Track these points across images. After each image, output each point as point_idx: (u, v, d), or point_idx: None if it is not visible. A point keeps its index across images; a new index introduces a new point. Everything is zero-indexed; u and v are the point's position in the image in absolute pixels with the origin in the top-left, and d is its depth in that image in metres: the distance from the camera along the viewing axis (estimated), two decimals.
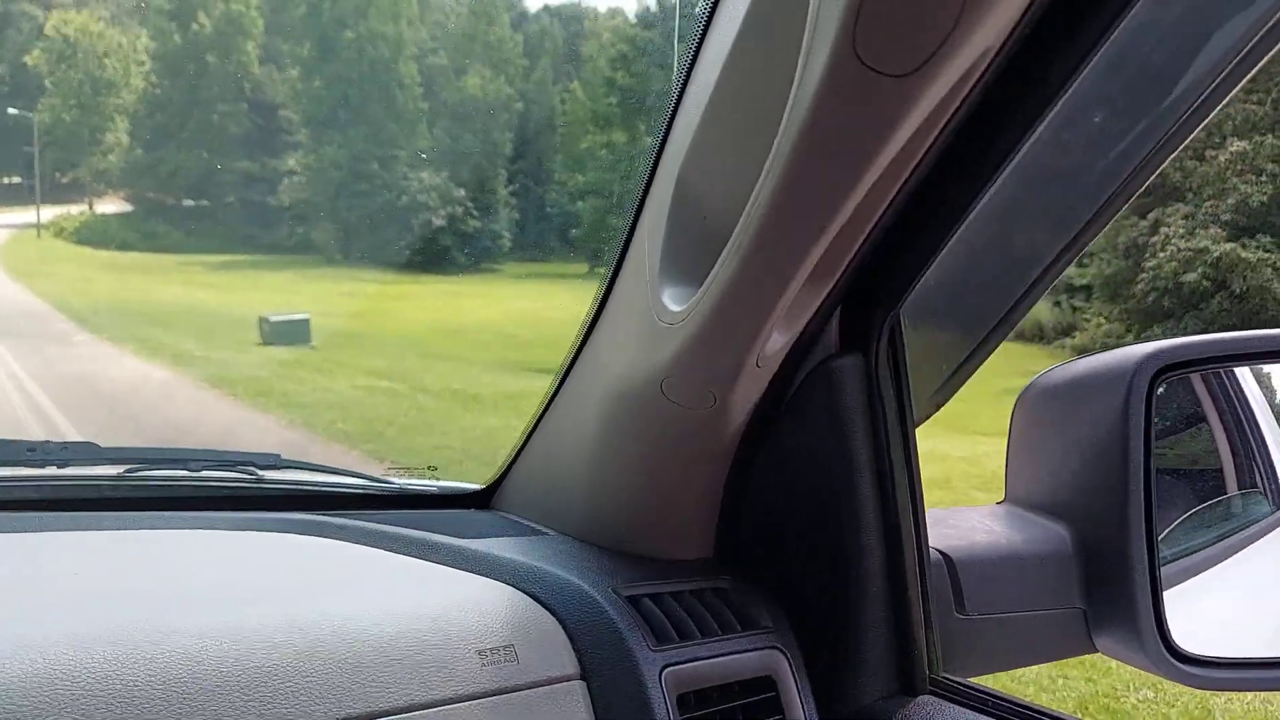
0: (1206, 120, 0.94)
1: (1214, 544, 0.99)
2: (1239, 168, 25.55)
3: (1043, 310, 40.06)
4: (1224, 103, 0.93)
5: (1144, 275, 26.94)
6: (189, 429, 10.24)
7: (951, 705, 1.02)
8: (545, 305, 48.62)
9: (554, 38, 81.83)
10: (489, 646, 0.96)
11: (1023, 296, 1.10)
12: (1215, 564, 0.97)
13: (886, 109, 0.74)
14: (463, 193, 63.27)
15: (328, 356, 18.90)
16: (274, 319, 18.74)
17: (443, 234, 62.37)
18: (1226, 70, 0.91)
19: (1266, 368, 0.98)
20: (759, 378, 1.02)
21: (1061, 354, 37.73)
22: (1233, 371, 1.03)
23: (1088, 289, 38.32)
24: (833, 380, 1.03)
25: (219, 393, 12.99)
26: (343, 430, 9.91)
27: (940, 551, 1.02)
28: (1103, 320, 34.22)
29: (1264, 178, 25.25)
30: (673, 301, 0.96)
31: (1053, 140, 0.97)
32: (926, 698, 1.04)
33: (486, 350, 33.68)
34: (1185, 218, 26.26)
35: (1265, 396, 1.01)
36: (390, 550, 1.17)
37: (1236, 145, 25.55)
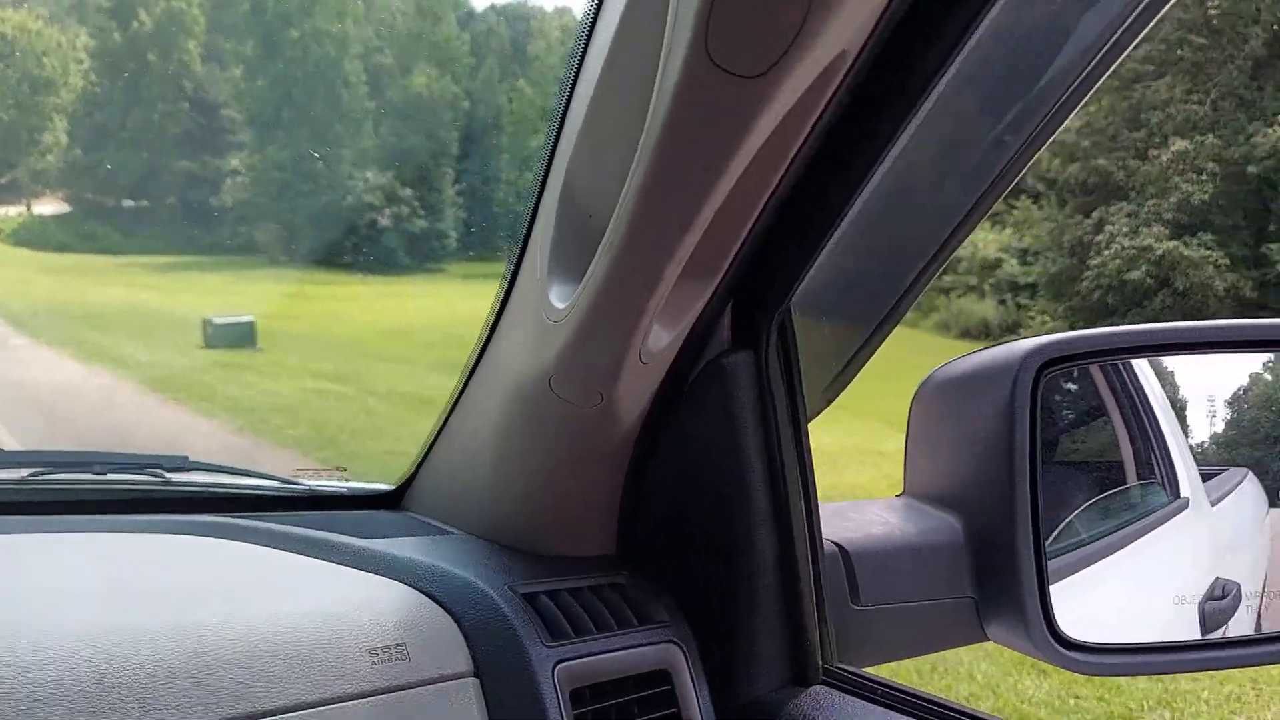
0: (1074, 112, 0.96)
1: (1114, 533, 1.02)
2: (1180, 167, 26.19)
3: (988, 308, 40.82)
4: (1086, 98, 0.95)
5: (1089, 273, 27.48)
6: (130, 435, 9.83)
7: (842, 695, 1.03)
8: (490, 304, 48.46)
9: (500, 37, 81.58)
10: (380, 645, 0.97)
11: (905, 292, 1.11)
12: (1114, 551, 1.00)
13: (741, 109, 0.76)
14: (409, 192, 62.59)
15: (273, 359, 18.54)
16: (218, 321, 18.30)
17: (388, 234, 61.68)
18: (1088, 68, 0.94)
19: (1166, 361, 1.01)
20: (646, 374, 1.03)
21: None
22: (1130, 365, 1.06)
23: (1033, 287, 39.11)
24: (724, 376, 1.05)
25: (162, 397, 12.53)
26: (292, 436, 9.57)
27: (836, 544, 1.03)
28: (1047, 318, 34.90)
29: (1204, 177, 25.92)
30: (558, 299, 0.98)
31: (928, 138, 0.98)
32: (818, 688, 1.05)
33: (434, 351, 33.19)
34: (1129, 216, 26.86)
35: (1164, 391, 1.04)
36: (290, 551, 1.17)
37: (1178, 144, 26.20)
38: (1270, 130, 25.87)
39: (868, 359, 1.17)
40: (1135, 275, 25.63)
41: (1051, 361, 0.92)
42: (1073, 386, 1.02)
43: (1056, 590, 0.97)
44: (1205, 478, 1.09)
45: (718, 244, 0.93)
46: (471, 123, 74.87)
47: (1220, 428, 1.08)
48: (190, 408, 11.86)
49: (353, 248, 67.10)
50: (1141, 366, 1.07)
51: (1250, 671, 4.36)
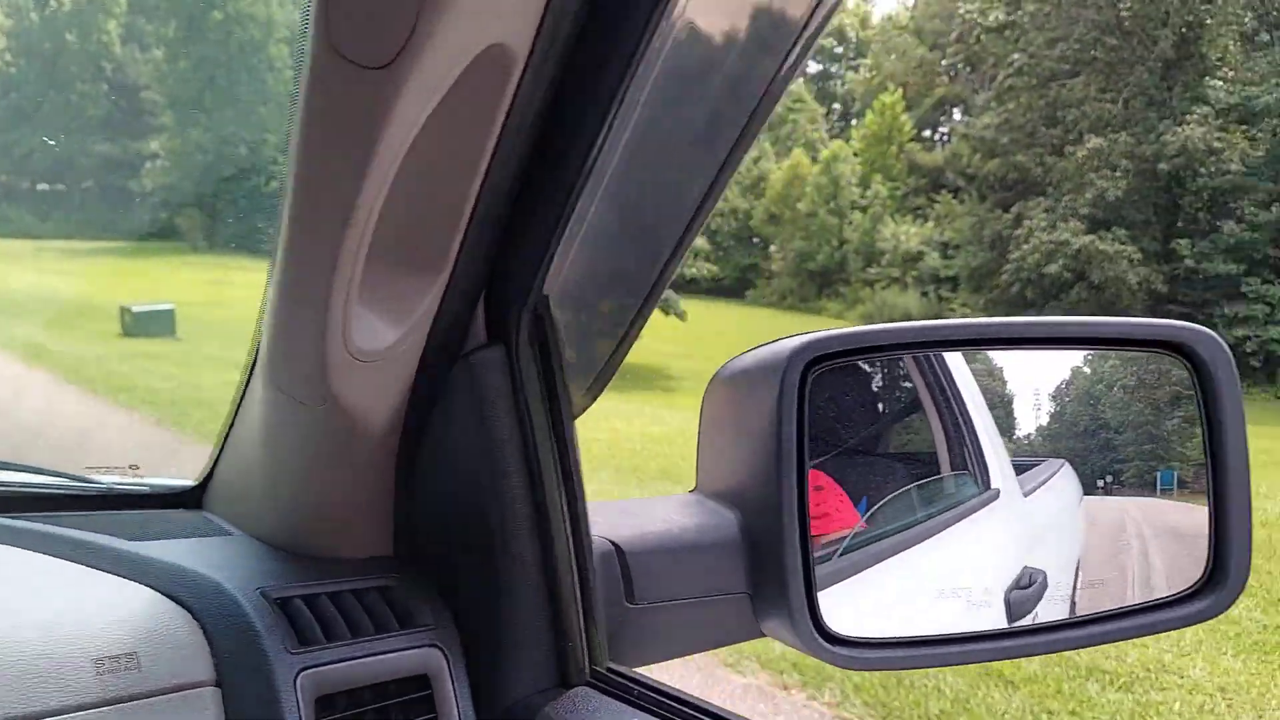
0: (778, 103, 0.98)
1: (925, 521, 1.04)
2: (1095, 163, 27.14)
3: (912, 300, 41.82)
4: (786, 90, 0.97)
5: (1008, 266, 28.33)
6: (41, 429, 9.48)
7: (603, 697, 1.04)
8: None
9: None
10: (109, 654, 0.92)
11: (655, 283, 1.13)
12: (922, 541, 1.02)
13: (372, 100, 0.75)
14: None
15: (194, 349, 18.00)
16: (136, 309, 17.70)
17: None
18: (790, 60, 0.94)
19: (995, 357, 1.05)
20: (376, 373, 1.00)
21: None
22: (943, 358, 1.08)
23: (954, 279, 40.20)
24: (475, 373, 1.04)
25: (78, 389, 12.10)
26: (215, 431, 9.27)
27: (611, 542, 1.04)
28: (968, 309, 35.91)
29: (1118, 173, 26.90)
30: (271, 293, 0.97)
31: (656, 127, 0.99)
32: (581, 689, 1.05)
33: None
34: (1046, 211, 27.74)
35: (978, 383, 1.08)
36: (52, 555, 1.10)
37: (1093, 142, 27.14)
38: (1179, 129, 26.96)
39: (625, 355, 1.17)
40: (1053, 269, 26.51)
41: (818, 359, 0.94)
42: (890, 380, 1.06)
43: (856, 582, 0.99)
44: (1023, 469, 1.12)
45: (434, 240, 0.91)
46: None
47: (1045, 420, 1.12)
48: (107, 400, 11.47)
49: (277, 234, 65.61)
50: (955, 360, 1.09)
51: (1219, 680, 4.49)
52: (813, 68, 70.37)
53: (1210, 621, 1.08)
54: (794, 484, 0.91)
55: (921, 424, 1.06)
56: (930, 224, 42.94)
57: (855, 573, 1.00)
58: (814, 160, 48.39)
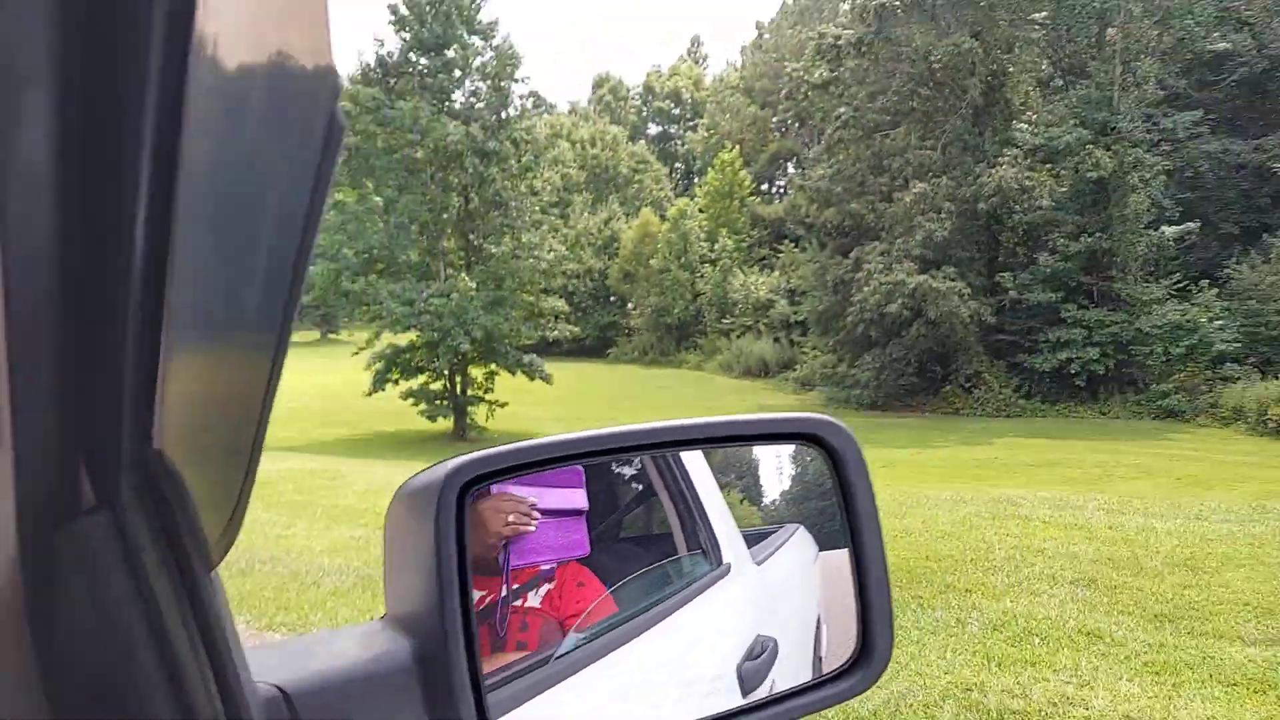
0: None
1: (666, 600, 1.08)
2: (922, 207, 28.79)
3: (765, 347, 43.08)
4: None
5: (852, 309, 29.55)
6: None
7: None
8: None
9: None
10: None
11: (266, 392, 1.01)
12: (657, 625, 1.05)
13: None
14: None
15: None
16: None
17: None
18: None
19: (611, 460, 1.09)
20: None
21: (785, 386, 40.64)
22: (679, 457, 1.14)
23: (803, 324, 41.73)
24: (81, 544, 0.88)
25: None
26: None
27: (278, 688, 0.97)
28: (818, 352, 37.24)
29: (943, 214, 28.60)
30: None
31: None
32: None
33: None
34: (882, 254, 29.15)
35: (707, 471, 1.14)
36: None
37: (918, 187, 28.82)
38: (994, 170, 28.99)
39: (251, 490, 1.05)
40: (893, 308, 27.76)
41: (475, 480, 0.93)
42: (631, 472, 1.09)
43: (578, 680, 0.98)
44: (760, 538, 1.17)
45: None
46: None
47: (786, 485, 1.18)
48: None
49: None
50: (693, 457, 1.13)
51: (1123, 707, 4.51)
52: (653, 129, 72.59)
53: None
54: (456, 607, 0.89)
55: (659, 509, 1.10)
56: (776, 273, 44.53)
57: (568, 676, 0.97)
58: (662, 218, 49.55)
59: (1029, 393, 29.61)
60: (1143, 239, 28.95)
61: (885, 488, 16.49)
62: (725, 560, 1.14)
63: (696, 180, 62.72)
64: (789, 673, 1.10)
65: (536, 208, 27.10)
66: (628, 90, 69.76)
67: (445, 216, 26.23)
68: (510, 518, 0.97)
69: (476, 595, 0.95)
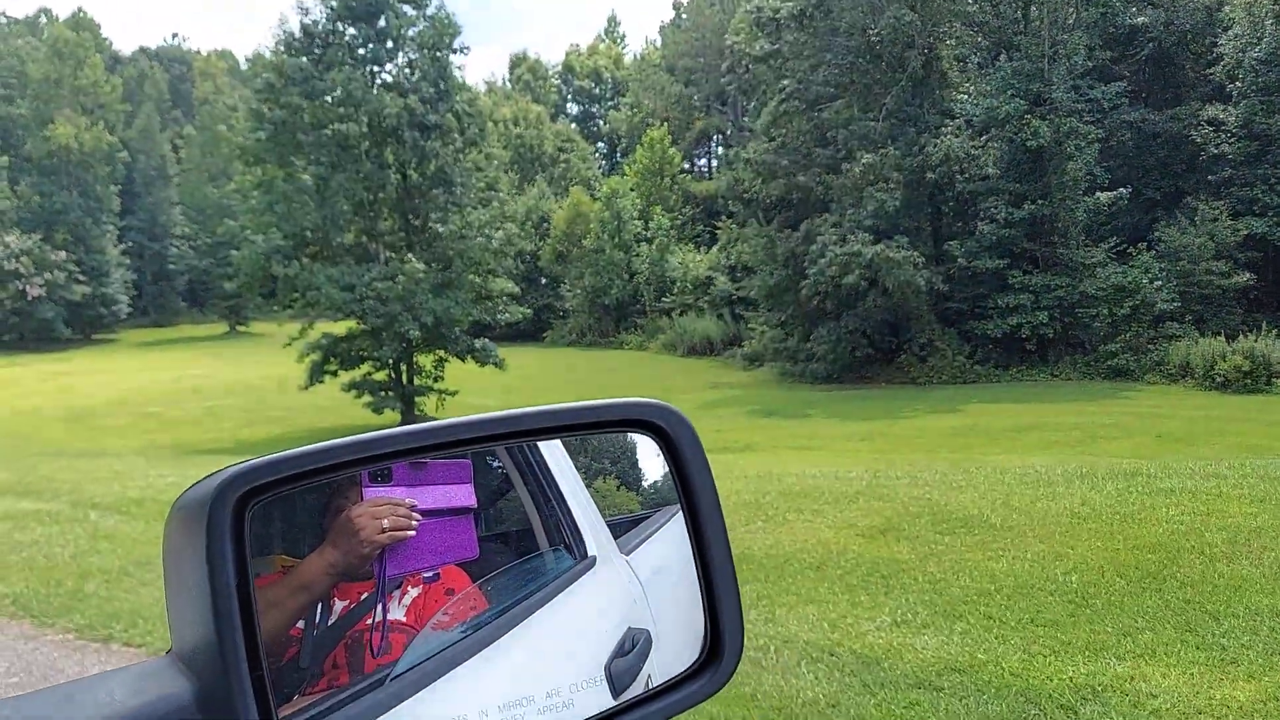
0: None
1: (531, 595, 1.01)
2: (871, 178, 28.52)
3: (710, 325, 42.57)
4: None
5: (806, 281, 29.14)
6: None
7: None
8: (181, 374, 43.10)
9: (157, 81, 73.98)
10: None
11: None
12: (531, 613, 1.00)
13: None
14: (63, 255, 54.49)
15: None
16: None
17: (42, 304, 53.29)
18: None
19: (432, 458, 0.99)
20: None
21: (733, 363, 40.24)
22: (536, 446, 1.06)
23: (746, 301, 41.31)
24: None
25: None
26: (9, 595, 6.47)
27: None
28: (766, 328, 36.86)
29: (892, 184, 28.42)
30: None
31: None
32: None
33: (131, 436, 28.69)
34: (834, 226, 28.79)
35: (568, 463, 1.08)
36: None
37: (866, 158, 28.54)
38: (940, 140, 28.91)
39: None
40: (850, 279, 27.43)
41: (254, 491, 0.83)
42: (494, 464, 1.03)
43: (427, 697, 0.88)
44: (633, 524, 1.09)
45: None
46: (133, 174, 66.85)
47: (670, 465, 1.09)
48: None
49: None
50: (548, 445, 1.06)
51: None
52: (573, 108, 71.24)
53: None
54: (238, 644, 0.79)
55: (516, 503, 1.04)
56: (715, 250, 43.98)
57: (411, 695, 0.88)
58: (593, 198, 48.44)
59: (982, 359, 29.77)
60: (1080, 205, 29.36)
61: (900, 461, 15.87)
62: (590, 553, 1.07)
63: (621, 159, 61.76)
64: (668, 662, 1.04)
65: (482, 184, 25.75)
66: (547, 69, 68.22)
67: (382, 195, 24.69)
68: (386, 522, 0.87)
69: (339, 605, 0.84)
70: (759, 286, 33.15)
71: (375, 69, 24.72)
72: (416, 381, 25.42)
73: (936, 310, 30.27)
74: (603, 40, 71.62)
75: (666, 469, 1.09)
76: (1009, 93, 29.03)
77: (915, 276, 27.42)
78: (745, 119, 51.24)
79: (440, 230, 24.23)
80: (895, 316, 29.78)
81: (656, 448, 1.09)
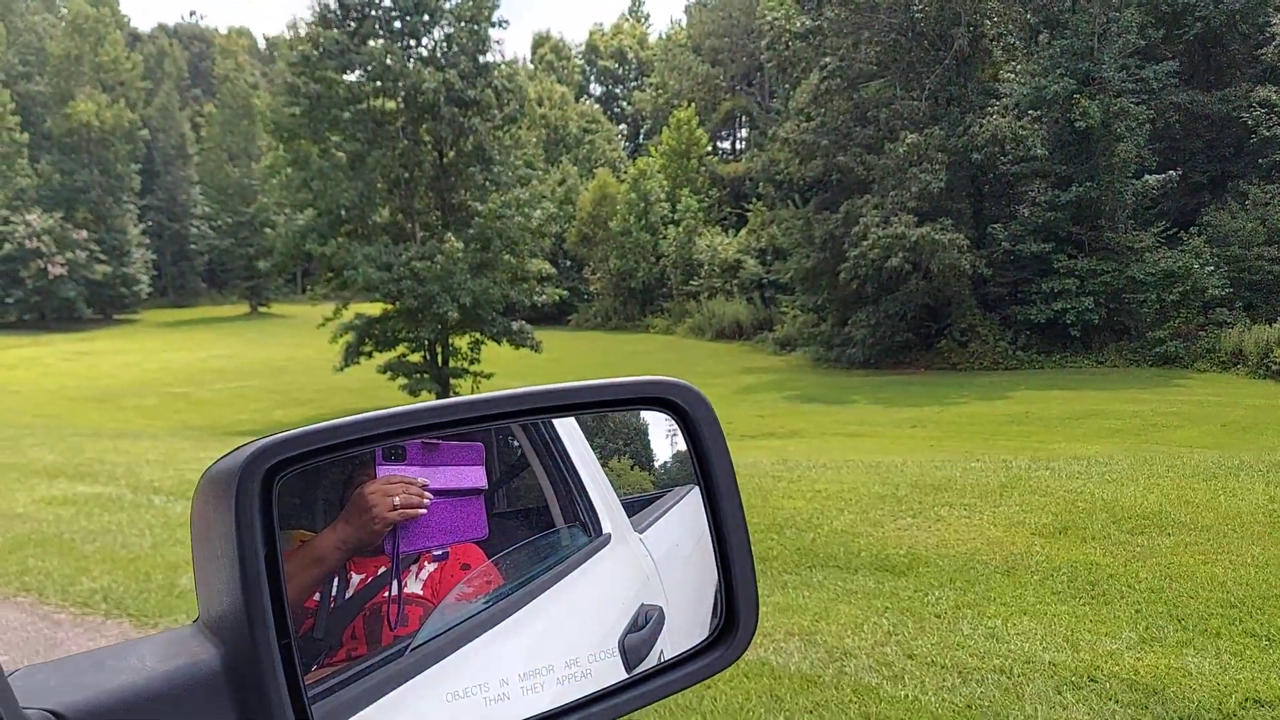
0: None
1: (547, 571, 1.02)
2: (915, 158, 27.79)
3: (739, 308, 41.93)
4: None
5: (846, 264, 28.48)
6: None
7: None
8: (206, 355, 42.74)
9: (176, 59, 73.41)
10: None
11: None
12: (547, 589, 1.01)
13: None
14: (84, 234, 54.09)
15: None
16: None
17: (64, 284, 52.92)
18: None
19: (519, 423, 1.03)
20: None
21: (763, 347, 39.62)
22: (551, 422, 1.07)
23: (776, 284, 40.62)
24: None
25: None
26: (97, 589, 5.95)
27: (54, 713, 0.84)
28: (798, 313, 36.20)
29: (937, 165, 27.68)
30: None
31: None
32: None
33: (162, 416, 28.32)
34: (875, 208, 28.10)
35: (584, 442, 1.08)
36: None
37: (910, 138, 27.80)
38: (986, 120, 28.15)
39: None
40: (894, 262, 26.76)
41: (281, 464, 0.85)
42: (511, 441, 1.04)
43: (445, 667, 0.90)
44: (647, 503, 1.10)
45: None
46: (152, 153, 66.35)
47: (682, 445, 1.09)
48: None
49: (20, 303, 56.96)
50: (562, 423, 1.07)
51: None
52: (596, 89, 70.42)
53: None
54: (266, 609, 0.82)
55: (533, 481, 1.05)
56: (744, 232, 43.27)
57: (430, 666, 0.89)
58: (618, 179, 47.74)
59: (1024, 345, 29.10)
60: (1129, 188, 28.60)
61: (953, 448, 15.28)
62: (605, 530, 1.09)
63: (643, 141, 60.96)
64: (679, 638, 1.06)
65: (520, 162, 25.14)
66: (570, 49, 67.30)
67: (418, 173, 24.12)
68: (397, 499, 0.89)
69: (356, 579, 0.87)
70: (794, 270, 32.48)
71: (412, 43, 24.09)
72: (451, 363, 24.92)
73: (977, 295, 29.59)
74: (627, 19, 70.68)
75: (678, 450, 1.09)
76: (1058, 71, 28.22)
77: (960, 260, 26.74)
78: (773, 100, 50.40)
79: (479, 208, 23.64)
80: (935, 301, 29.11)
81: (669, 428, 1.09)
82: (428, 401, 0.95)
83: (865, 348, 29.76)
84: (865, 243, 27.31)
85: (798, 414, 23.33)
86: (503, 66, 24.55)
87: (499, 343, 25.08)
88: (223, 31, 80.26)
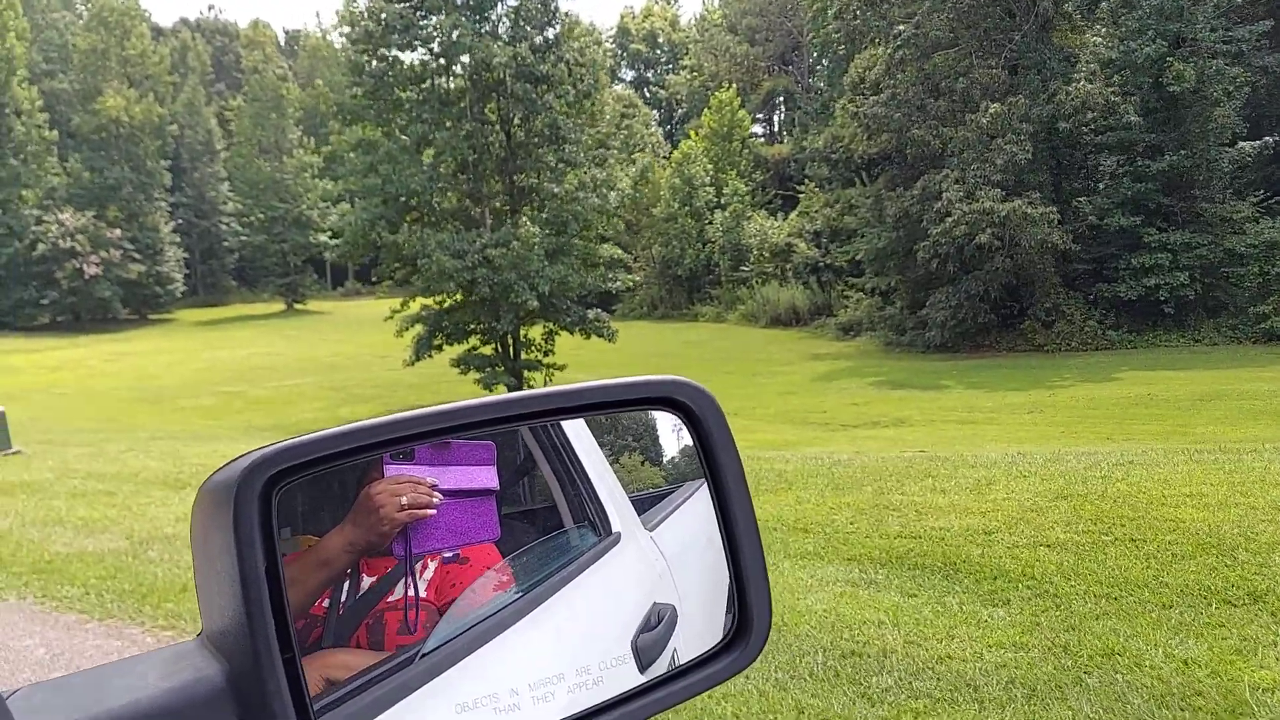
0: None
1: (556, 572, 0.99)
2: (999, 128, 26.45)
3: (796, 294, 40.64)
4: None
5: (925, 243, 27.18)
6: None
7: None
8: (249, 353, 41.78)
9: (200, 53, 72.44)
10: None
11: None
12: (557, 590, 0.98)
13: None
14: (118, 233, 53.21)
15: (29, 463, 13.29)
16: None
17: (99, 284, 52.05)
18: None
19: (454, 439, 0.95)
20: None
21: (824, 333, 38.35)
22: (560, 424, 1.03)
23: (834, 268, 39.32)
24: None
25: None
26: (175, 610, 4.99)
27: None
28: (863, 295, 34.91)
29: (1022, 137, 26.33)
30: None
31: None
32: None
33: (223, 417, 27.28)
34: (957, 182, 26.78)
35: (592, 441, 1.05)
36: None
37: (993, 108, 26.44)
38: (1072, 86, 26.75)
39: None
40: (982, 239, 25.45)
41: (281, 474, 0.83)
42: (519, 442, 1.02)
43: (453, 675, 0.88)
44: (658, 500, 1.09)
45: None
46: (179, 149, 65.23)
47: (689, 440, 1.08)
48: None
49: (55, 304, 55.98)
50: (572, 424, 1.05)
51: None
52: (628, 74, 69.05)
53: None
54: (267, 622, 0.81)
55: (540, 481, 1.03)
56: (795, 215, 41.95)
57: (438, 674, 0.87)
58: (661, 164, 46.45)
59: (1114, 324, 27.73)
60: (1225, 155, 27.16)
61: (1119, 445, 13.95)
62: (614, 529, 1.07)
63: (678, 126, 59.60)
64: (694, 637, 1.04)
65: (592, 140, 23.93)
66: (599, 32, 65.92)
67: (486, 156, 22.94)
68: (405, 500, 0.87)
69: (366, 582, 0.86)
70: (865, 250, 31.17)
71: (477, 16, 22.88)
72: (523, 356, 23.80)
73: (1060, 272, 28.24)
74: (657, 2, 69.21)
75: (686, 444, 1.08)
76: (1149, 33, 26.76)
77: (1052, 235, 25.40)
78: (813, 78, 48.96)
79: (554, 190, 22.45)
80: (1017, 280, 27.78)
81: (676, 422, 1.07)
82: (433, 406, 0.91)
83: (944, 330, 28.46)
84: (950, 219, 26.00)
85: (893, 401, 22.09)
86: (578, 38, 23.27)
87: (572, 332, 23.93)
88: (243, 25, 79.25)
